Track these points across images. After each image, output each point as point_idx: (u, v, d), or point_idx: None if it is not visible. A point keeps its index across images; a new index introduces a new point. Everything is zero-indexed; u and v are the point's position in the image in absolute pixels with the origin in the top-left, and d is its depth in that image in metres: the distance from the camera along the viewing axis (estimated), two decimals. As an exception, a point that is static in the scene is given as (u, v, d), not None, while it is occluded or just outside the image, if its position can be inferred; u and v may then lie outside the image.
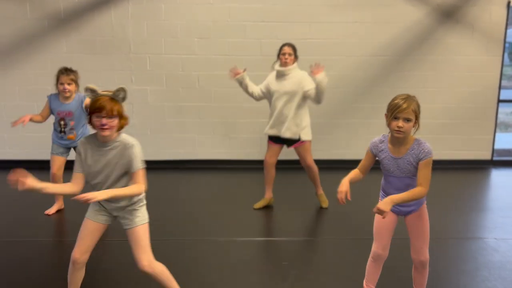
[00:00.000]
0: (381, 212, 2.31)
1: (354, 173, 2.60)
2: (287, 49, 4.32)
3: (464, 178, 5.89)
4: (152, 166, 5.97)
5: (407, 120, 2.37)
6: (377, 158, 2.58)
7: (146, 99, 6.00)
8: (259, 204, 4.61)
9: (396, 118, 2.37)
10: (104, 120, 2.27)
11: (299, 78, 4.29)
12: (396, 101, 2.39)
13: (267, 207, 4.63)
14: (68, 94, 4.17)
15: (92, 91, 2.32)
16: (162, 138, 6.10)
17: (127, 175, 2.41)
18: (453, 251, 3.68)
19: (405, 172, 2.46)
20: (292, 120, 4.30)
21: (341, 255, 3.60)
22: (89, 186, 2.45)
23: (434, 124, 6.14)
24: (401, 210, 2.59)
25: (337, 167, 5.92)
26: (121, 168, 2.37)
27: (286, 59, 4.29)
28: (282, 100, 4.30)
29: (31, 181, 2.25)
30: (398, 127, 2.37)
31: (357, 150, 6.38)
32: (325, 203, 4.63)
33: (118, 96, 2.33)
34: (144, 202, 2.57)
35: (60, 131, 4.21)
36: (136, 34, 5.83)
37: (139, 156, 2.38)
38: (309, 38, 5.91)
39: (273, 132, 4.41)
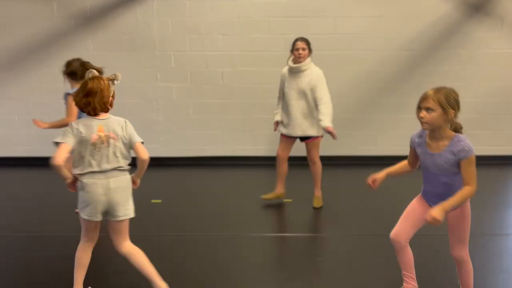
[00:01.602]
0: (436, 222, 2.23)
1: (400, 164, 2.60)
2: (300, 44, 4.22)
3: (494, 174, 5.76)
4: (176, 162, 6.08)
5: (428, 109, 2.29)
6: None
7: (171, 96, 6.02)
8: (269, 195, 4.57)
9: (419, 108, 2.33)
10: None
11: (313, 78, 4.20)
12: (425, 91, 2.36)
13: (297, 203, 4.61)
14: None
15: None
16: (187, 135, 6.12)
17: None
18: (489, 247, 3.59)
19: (441, 170, 2.37)
20: (303, 117, 4.25)
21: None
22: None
23: (462, 119, 5.97)
24: (438, 202, 2.54)
25: (363, 163, 5.89)
26: None
27: (300, 54, 4.20)
28: (294, 97, 4.23)
29: None
30: (420, 117, 2.32)
31: (384, 146, 6.32)
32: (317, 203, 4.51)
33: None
34: None
35: None
36: (161, 32, 5.86)
37: None
38: (334, 33, 5.85)
39: (287, 131, 4.36)
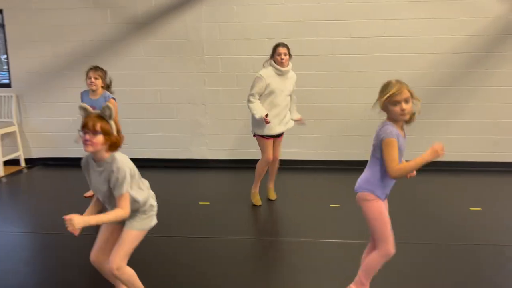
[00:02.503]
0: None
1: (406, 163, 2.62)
2: (282, 50, 4.41)
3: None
4: (222, 165, 6.15)
5: (407, 100, 2.47)
6: None
7: (218, 99, 6.10)
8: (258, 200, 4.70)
9: (396, 101, 2.44)
10: (87, 136, 2.32)
11: (294, 79, 4.58)
12: (389, 88, 2.47)
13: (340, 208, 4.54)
14: (94, 87, 4.53)
15: (84, 109, 2.39)
16: (233, 138, 6.18)
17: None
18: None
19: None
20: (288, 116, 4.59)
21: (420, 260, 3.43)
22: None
23: (520, 124, 5.76)
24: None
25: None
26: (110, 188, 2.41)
27: (282, 59, 4.38)
28: (283, 98, 4.44)
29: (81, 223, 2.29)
30: (402, 109, 2.45)
31: (434, 152, 6.11)
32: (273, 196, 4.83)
33: (104, 114, 2.37)
34: (152, 213, 2.61)
35: None
36: (209, 36, 5.95)
37: (123, 180, 2.37)
38: (384, 36, 5.73)
39: (281, 129, 4.53)
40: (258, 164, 4.60)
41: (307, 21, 5.81)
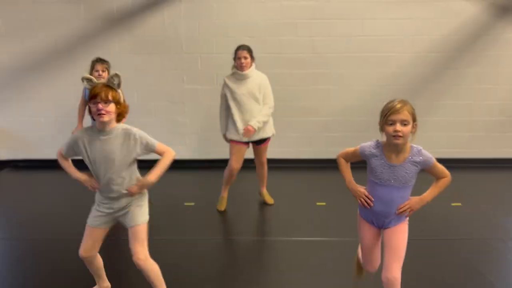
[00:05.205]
0: (412, 211, 2.36)
1: (348, 167, 2.55)
2: (241, 53, 4.21)
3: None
4: (202, 165, 6.06)
5: (404, 123, 2.23)
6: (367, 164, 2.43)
7: (197, 98, 6.01)
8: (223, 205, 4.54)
9: (392, 122, 2.24)
10: (100, 105, 2.28)
11: (258, 82, 4.26)
12: (390, 104, 2.27)
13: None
14: (102, 81, 4.26)
15: (88, 80, 2.34)
16: (213, 137, 6.09)
17: (130, 166, 2.46)
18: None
19: (401, 182, 2.32)
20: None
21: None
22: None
23: (491, 122, 5.97)
24: (385, 222, 2.44)
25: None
26: (128, 155, 2.41)
27: (242, 63, 4.20)
28: (244, 101, 4.25)
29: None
30: (395, 131, 2.22)
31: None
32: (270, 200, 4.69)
33: (112, 82, 2.35)
34: (145, 201, 2.60)
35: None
36: (188, 34, 5.85)
37: (147, 135, 2.44)
38: (362, 35, 5.81)
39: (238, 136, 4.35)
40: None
41: (286, 20, 5.81)
